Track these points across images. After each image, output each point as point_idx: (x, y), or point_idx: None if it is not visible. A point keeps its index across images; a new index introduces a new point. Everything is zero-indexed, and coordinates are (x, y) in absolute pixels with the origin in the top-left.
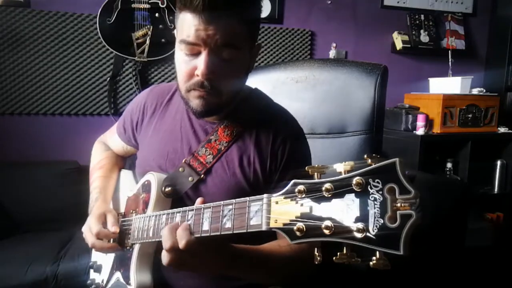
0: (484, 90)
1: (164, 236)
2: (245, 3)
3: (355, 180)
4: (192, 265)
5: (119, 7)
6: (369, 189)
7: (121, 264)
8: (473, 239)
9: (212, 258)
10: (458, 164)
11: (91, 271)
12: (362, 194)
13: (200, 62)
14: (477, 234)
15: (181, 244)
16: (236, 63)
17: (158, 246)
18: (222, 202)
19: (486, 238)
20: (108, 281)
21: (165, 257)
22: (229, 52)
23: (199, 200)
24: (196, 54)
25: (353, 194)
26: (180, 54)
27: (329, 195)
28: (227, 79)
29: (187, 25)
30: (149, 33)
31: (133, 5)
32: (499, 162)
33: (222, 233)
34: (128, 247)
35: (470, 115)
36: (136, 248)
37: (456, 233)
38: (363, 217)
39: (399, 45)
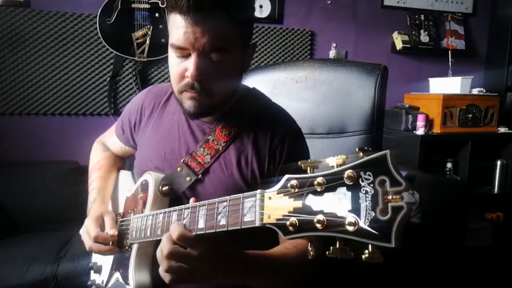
0: (484, 90)
1: (162, 244)
2: (232, 3)
3: (346, 173)
4: (196, 270)
5: (119, 7)
6: (361, 182)
7: (120, 264)
8: (473, 239)
9: (217, 262)
10: (458, 164)
11: (91, 272)
12: (354, 187)
13: (190, 64)
14: (477, 234)
15: (174, 235)
16: (227, 65)
17: (157, 246)
18: (217, 199)
19: (486, 238)
20: (108, 282)
21: (164, 265)
22: (218, 54)
23: (191, 200)
24: (187, 56)
25: (345, 188)
26: (172, 56)
27: (321, 189)
28: (218, 80)
29: (175, 27)
30: (149, 33)
31: (133, 5)
32: (499, 162)
33: (217, 230)
34: (126, 247)
35: (470, 115)
36: (135, 248)
37: (456, 233)
38: (355, 210)
39: (399, 45)
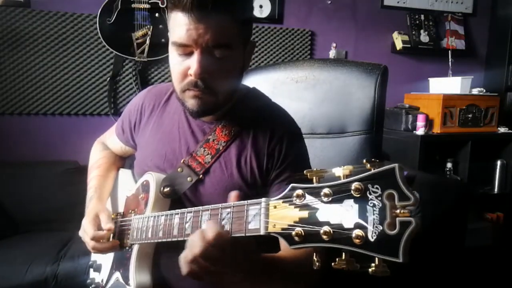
0: (484, 90)
1: (194, 241)
2: (235, 0)
3: (354, 185)
4: (222, 273)
5: (119, 7)
6: (368, 194)
7: (121, 264)
8: (473, 239)
9: (244, 266)
10: (458, 164)
11: (91, 270)
12: (361, 199)
13: (193, 62)
14: (477, 234)
15: (210, 235)
16: (229, 62)
17: (157, 246)
18: (220, 205)
19: (486, 238)
20: (107, 281)
21: (192, 265)
22: (221, 51)
23: (233, 194)
24: (189, 54)
25: (352, 200)
26: (173, 55)
27: (328, 200)
28: (221, 77)
29: (177, 25)
30: (149, 33)
31: (133, 5)
32: (499, 162)
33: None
34: (127, 247)
35: (470, 115)
36: (135, 248)
37: (456, 233)
38: (362, 223)
39: (399, 45)
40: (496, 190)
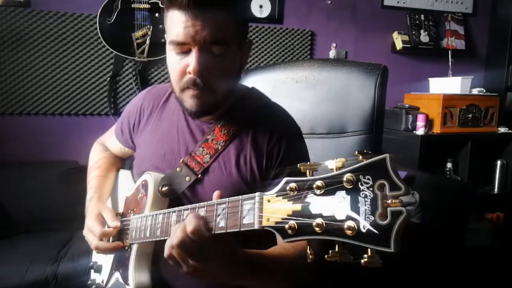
0: (484, 90)
1: (175, 231)
2: None
3: (345, 177)
4: (198, 266)
5: (119, 7)
6: (360, 185)
7: (120, 264)
8: (473, 239)
9: (222, 261)
10: (458, 164)
11: (92, 271)
12: (353, 191)
13: (191, 59)
14: (477, 234)
15: (189, 228)
16: (227, 59)
17: (157, 246)
18: (216, 201)
19: (486, 238)
20: (108, 281)
21: (170, 251)
22: (219, 47)
23: (216, 194)
24: (187, 52)
25: (344, 191)
26: (171, 55)
27: (321, 193)
28: (220, 75)
29: (174, 23)
30: (149, 33)
31: (133, 5)
32: (499, 162)
33: (216, 232)
34: (126, 247)
35: (470, 115)
36: (134, 248)
37: (456, 233)
38: (354, 215)
39: (399, 45)
40: (496, 190)
